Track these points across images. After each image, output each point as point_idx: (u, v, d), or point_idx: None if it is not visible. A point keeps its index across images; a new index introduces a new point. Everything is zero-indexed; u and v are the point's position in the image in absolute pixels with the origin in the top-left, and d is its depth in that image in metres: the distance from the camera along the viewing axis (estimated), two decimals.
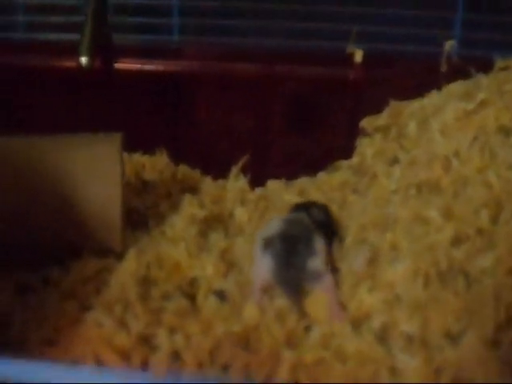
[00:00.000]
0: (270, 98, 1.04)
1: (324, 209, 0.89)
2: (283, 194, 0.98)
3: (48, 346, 0.70)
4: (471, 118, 0.85)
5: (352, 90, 1.03)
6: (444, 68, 0.99)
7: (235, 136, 1.06)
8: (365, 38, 1.04)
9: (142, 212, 0.93)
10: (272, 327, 0.69)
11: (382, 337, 0.66)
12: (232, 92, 1.04)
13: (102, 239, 0.81)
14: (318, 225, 0.82)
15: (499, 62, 0.95)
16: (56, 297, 0.76)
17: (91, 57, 0.93)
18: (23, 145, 0.83)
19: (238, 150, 1.03)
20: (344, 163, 1.01)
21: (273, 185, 1.03)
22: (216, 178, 1.03)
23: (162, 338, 0.69)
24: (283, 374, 0.64)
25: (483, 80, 0.91)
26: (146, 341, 0.70)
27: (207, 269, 0.79)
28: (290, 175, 1.03)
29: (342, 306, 0.72)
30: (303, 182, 1.02)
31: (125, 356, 0.68)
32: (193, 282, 0.79)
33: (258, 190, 1.01)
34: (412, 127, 0.91)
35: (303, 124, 1.04)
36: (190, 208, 0.91)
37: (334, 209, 0.91)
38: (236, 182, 1.00)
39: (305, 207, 0.87)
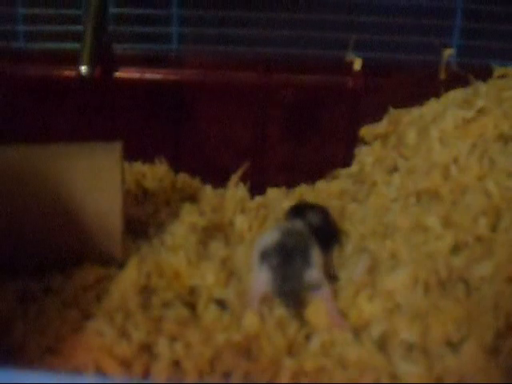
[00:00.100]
0: (269, 106, 1.04)
1: (321, 212, 0.88)
2: (283, 202, 0.98)
3: (49, 355, 0.70)
4: (470, 125, 0.85)
5: (351, 99, 1.03)
6: (443, 76, 0.99)
7: (235, 144, 1.06)
8: (363, 46, 1.05)
9: (143, 220, 0.93)
10: (273, 335, 0.69)
11: (383, 345, 0.66)
12: (231, 100, 1.04)
13: (102, 248, 0.81)
14: (315, 230, 0.82)
15: (498, 70, 0.96)
16: (57, 305, 0.76)
17: (91, 66, 0.93)
18: (23, 154, 0.83)
19: (238, 158, 1.03)
20: (343, 171, 1.02)
21: (272, 193, 1.03)
22: (216, 186, 1.03)
23: (162, 347, 0.69)
24: (284, 382, 0.64)
25: (482, 88, 0.92)
26: (147, 349, 0.70)
27: (207, 277, 0.79)
28: (290, 183, 1.04)
29: (342, 315, 0.72)
30: (303, 190, 1.02)
31: (126, 365, 0.68)
32: (193, 291, 0.79)
33: (258, 199, 1.01)
34: (411, 135, 0.92)
35: (302, 132, 1.05)
36: (190, 216, 0.91)
37: (334, 217, 0.91)
38: (236, 191, 1.00)
39: (301, 211, 0.87)
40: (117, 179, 0.81)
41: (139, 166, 1.03)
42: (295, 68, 1.05)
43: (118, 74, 1.05)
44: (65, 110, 1.04)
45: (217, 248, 0.85)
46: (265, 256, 0.77)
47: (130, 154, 0.97)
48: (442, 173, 0.82)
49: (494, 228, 0.72)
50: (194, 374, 0.67)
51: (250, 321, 0.71)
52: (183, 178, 1.04)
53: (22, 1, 1.12)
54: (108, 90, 1.05)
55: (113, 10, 1.11)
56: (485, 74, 0.96)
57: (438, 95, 0.96)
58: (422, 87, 0.99)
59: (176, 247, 0.84)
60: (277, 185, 1.04)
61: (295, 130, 1.05)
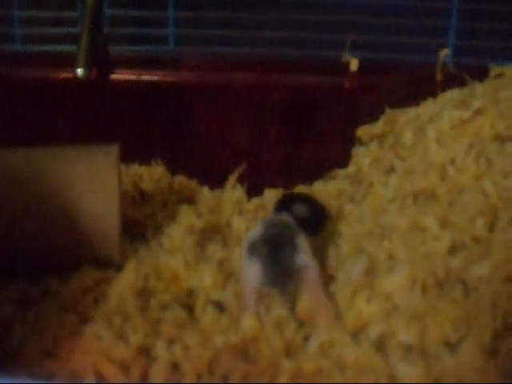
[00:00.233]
0: (266, 107, 1.04)
1: (307, 202, 0.87)
2: None
3: (47, 358, 0.70)
4: (467, 126, 0.85)
5: (348, 99, 1.03)
6: (439, 76, 0.99)
7: (232, 145, 1.06)
8: (360, 46, 1.05)
9: (140, 222, 0.93)
10: (271, 337, 0.69)
11: (381, 346, 0.66)
12: (228, 102, 1.04)
13: (100, 250, 0.81)
14: (301, 222, 0.81)
15: (494, 70, 0.96)
16: (55, 308, 0.76)
17: (88, 68, 0.92)
18: (20, 157, 0.83)
19: (235, 159, 1.03)
20: (340, 172, 1.01)
21: (270, 194, 1.03)
22: (213, 187, 1.03)
23: (160, 350, 0.69)
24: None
25: (478, 88, 0.91)
26: (145, 352, 0.70)
27: (205, 279, 0.79)
28: (287, 184, 1.03)
29: (329, 296, 0.73)
30: (300, 190, 1.02)
31: (124, 368, 0.68)
32: (191, 293, 0.79)
33: (255, 200, 1.01)
34: (408, 136, 0.92)
35: (299, 133, 1.05)
36: (187, 218, 0.91)
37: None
38: (233, 192, 1.00)
39: (287, 203, 0.87)
40: (114, 182, 0.81)
41: (136, 168, 1.03)
42: (292, 69, 1.06)
43: (114, 76, 1.05)
44: (61, 113, 1.04)
45: (214, 250, 0.85)
46: (253, 249, 0.77)
47: (128, 156, 0.97)
48: (439, 173, 0.82)
49: (491, 228, 0.72)
50: (192, 377, 0.67)
51: (248, 323, 0.71)
52: (180, 179, 1.04)
53: (19, 3, 1.12)
54: (105, 92, 1.05)
55: (108, 11, 1.11)
56: (481, 74, 0.95)
57: (434, 95, 0.96)
58: (418, 87, 0.99)
59: (174, 249, 0.84)
60: (274, 186, 1.04)
61: (292, 130, 1.05)
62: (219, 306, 0.76)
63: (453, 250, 0.72)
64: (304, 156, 1.05)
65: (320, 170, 1.03)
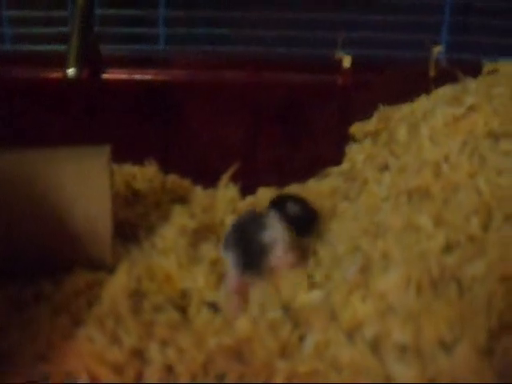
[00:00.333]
0: (258, 105, 1.04)
1: (300, 202, 0.89)
2: None
3: (40, 362, 0.69)
4: (460, 123, 0.84)
5: (341, 96, 1.02)
6: (432, 72, 0.99)
7: (225, 144, 1.06)
8: (352, 43, 1.04)
9: (133, 223, 0.93)
10: (265, 338, 0.69)
11: (376, 346, 0.65)
12: (221, 100, 1.04)
13: (92, 253, 0.80)
14: (293, 220, 0.82)
15: (488, 66, 0.95)
16: (48, 311, 0.75)
17: (78, 68, 0.92)
18: (10, 158, 0.82)
19: (228, 158, 1.03)
20: (334, 170, 1.01)
21: (263, 192, 1.02)
22: (206, 187, 1.03)
23: (154, 352, 0.69)
24: None
25: (472, 84, 0.91)
26: (139, 355, 0.70)
27: (198, 280, 0.79)
28: (281, 182, 1.03)
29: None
30: (293, 189, 1.01)
31: (118, 371, 0.68)
32: (184, 294, 0.79)
33: (249, 199, 1.01)
34: (401, 133, 0.91)
35: (292, 131, 1.04)
36: (180, 218, 0.91)
37: (325, 216, 0.91)
38: (226, 191, 1.00)
39: (278, 203, 0.88)
40: (105, 183, 0.80)
41: (129, 168, 1.03)
42: (284, 67, 1.05)
43: (106, 76, 1.04)
44: (53, 113, 1.04)
45: (207, 250, 0.85)
46: (226, 242, 0.79)
47: (120, 156, 0.97)
48: (433, 171, 0.81)
49: (485, 227, 0.71)
50: (186, 379, 0.66)
51: (242, 324, 0.71)
52: (173, 179, 1.03)
53: (8, 3, 1.11)
54: (96, 91, 1.04)
55: (99, 11, 1.11)
56: (474, 70, 0.95)
57: (428, 92, 0.96)
58: (411, 84, 0.99)
59: (167, 250, 0.84)
60: (268, 184, 1.03)
61: (285, 129, 1.04)
62: (213, 307, 0.76)
63: (447, 248, 0.71)
64: (297, 154, 1.05)
65: (314, 167, 1.02)
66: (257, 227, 0.77)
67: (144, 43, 1.13)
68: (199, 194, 1.01)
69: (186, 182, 1.04)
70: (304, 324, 0.70)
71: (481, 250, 0.69)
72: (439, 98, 0.92)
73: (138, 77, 1.04)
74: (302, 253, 0.79)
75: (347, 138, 1.01)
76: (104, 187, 0.80)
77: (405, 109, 0.96)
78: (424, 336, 0.63)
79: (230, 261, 0.77)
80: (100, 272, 0.80)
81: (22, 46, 1.12)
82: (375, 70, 1.02)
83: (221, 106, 1.04)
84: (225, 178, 1.01)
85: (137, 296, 0.77)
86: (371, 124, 0.98)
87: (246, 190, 1.02)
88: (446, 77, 0.95)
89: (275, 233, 0.77)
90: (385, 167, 0.90)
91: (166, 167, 1.04)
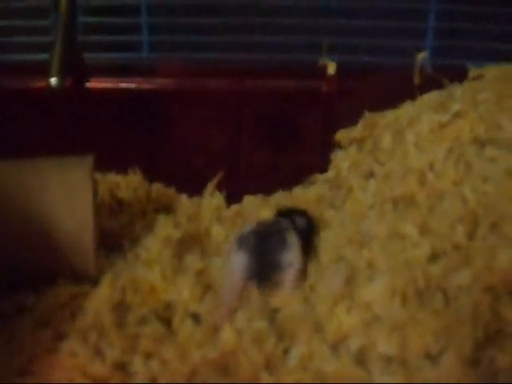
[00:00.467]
0: (243, 112, 1.03)
1: (306, 216, 0.88)
2: (260, 209, 0.97)
3: (23, 375, 0.69)
4: (446, 129, 0.84)
5: (326, 103, 1.02)
6: (417, 79, 0.98)
7: (210, 152, 1.05)
8: (337, 49, 1.04)
9: (117, 233, 0.92)
10: (250, 351, 0.68)
11: (361, 358, 0.65)
12: (205, 108, 1.03)
13: (75, 264, 0.80)
14: (300, 232, 0.82)
15: (473, 71, 0.95)
16: (30, 324, 0.75)
17: (61, 77, 0.91)
18: None
19: (213, 166, 1.02)
20: (320, 177, 1.00)
21: (249, 201, 1.01)
22: (192, 195, 1.02)
23: (138, 365, 0.68)
24: None
25: (457, 90, 0.90)
26: (122, 368, 0.69)
27: (183, 292, 0.78)
28: (266, 190, 1.02)
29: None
30: (279, 196, 1.01)
31: None
32: (168, 306, 0.78)
33: (234, 207, 1.00)
34: (387, 140, 0.91)
35: (278, 138, 1.04)
36: (165, 228, 0.90)
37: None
38: (212, 199, 0.99)
39: (288, 213, 0.87)
40: (88, 194, 0.80)
41: (113, 177, 1.02)
42: (269, 73, 1.04)
43: (89, 84, 1.03)
44: (35, 122, 1.03)
45: (192, 261, 0.84)
46: (241, 242, 0.78)
47: (104, 165, 0.96)
48: (418, 178, 0.81)
49: (470, 235, 0.71)
50: None
51: (227, 336, 0.70)
52: (158, 187, 1.03)
53: None
54: (80, 100, 1.03)
55: (82, 19, 1.10)
56: (460, 75, 0.95)
57: (413, 98, 0.95)
58: (396, 90, 0.98)
59: (151, 262, 0.83)
60: (254, 192, 1.03)
61: (270, 136, 1.04)
62: (197, 319, 0.75)
63: (433, 257, 0.71)
64: (283, 161, 1.04)
65: (299, 175, 1.02)
66: (278, 243, 0.77)
67: (128, 51, 1.12)
68: (184, 202, 1.01)
69: (171, 191, 1.03)
70: (289, 336, 0.70)
71: (466, 258, 0.68)
72: (424, 105, 0.92)
73: (121, 85, 1.03)
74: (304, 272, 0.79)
75: (332, 145, 1.00)
76: (87, 198, 0.80)
77: (390, 115, 0.95)
78: (409, 347, 0.63)
79: (237, 261, 0.77)
80: (83, 284, 0.80)
81: (4, 55, 1.11)
82: (360, 77, 1.02)
83: (205, 113, 1.04)
84: (210, 186, 1.00)
85: (121, 309, 0.76)
86: (356, 131, 0.97)
87: (232, 198, 1.01)
88: (431, 83, 0.95)
89: (293, 256, 0.77)
90: (370, 174, 0.90)
91: (150, 176, 1.03)
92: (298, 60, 1.09)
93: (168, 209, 0.99)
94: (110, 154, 0.98)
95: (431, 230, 0.74)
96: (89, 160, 0.82)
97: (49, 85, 0.91)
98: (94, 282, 0.80)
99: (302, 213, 0.89)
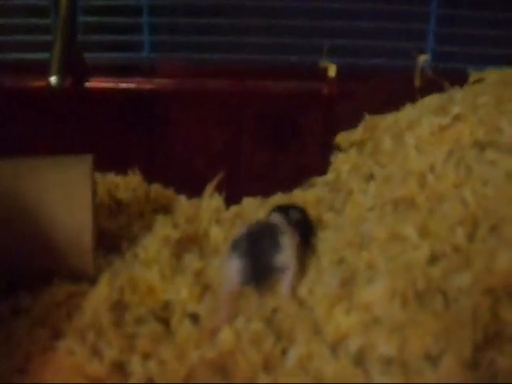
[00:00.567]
0: (243, 114, 1.03)
1: (301, 209, 0.88)
2: (259, 211, 0.97)
3: (19, 375, 0.68)
4: (446, 132, 0.84)
5: (326, 105, 1.02)
6: (418, 81, 0.98)
7: (209, 153, 1.05)
8: (338, 51, 1.04)
9: (115, 233, 0.91)
10: (248, 351, 0.68)
11: (361, 359, 0.65)
12: (205, 109, 1.03)
13: (73, 264, 0.79)
14: (296, 224, 0.83)
15: (473, 75, 0.95)
16: (27, 323, 0.74)
17: (61, 76, 0.91)
18: None
19: (213, 167, 1.02)
20: (319, 179, 1.00)
21: (248, 202, 1.01)
22: (191, 196, 1.02)
23: (135, 365, 0.68)
24: None
25: (457, 93, 0.91)
26: (120, 368, 0.69)
27: (181, 292, 0.78)
28: (266, 192, 1.02)
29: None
30: (279, 198, 1.01)
31: None
32: (167, 306, 0.78)
33: (233, 208, 1.00)
34: (387, 142, 0.90)
35: (278, 140, 1.04)
36: (163, 229, 0.90)
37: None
38: (211, 201, 0.99)
39: (281, 209, 0.87)
40: (87, 193, 0.79)
41: (112, 177, 1.02)
42: (270, 75, 1.04)
43: (89, 84, 1.03)
44: (35, 122, 1.03)
45: (191, 261, 0.84)
46: (234, 246, 0.77)
47: (104, 165, 0.96)
48: (418, 180, 0.81)
49: (470, 237, 0.70)
50: None
51: (225, 336, 0.70)
52: (157, 188, 1.03)
53: None
54: (80, 100, 1.03)
55: (82, 18, 1.10)
56: (460, 79, 0.95)
57: (413, 101, 0.95)
58: (397, 93, 0.98)
59: (149, 261, 0.82)
60: (253, 194, 1.02)
61: (271, 138, 1.04)
62: (195, 319, 0.75)
63: (432, 259, 0.70)
64: (282, 163, 1.04)
65: (299, 177, 1.01)
66: (271, 245, 0.76)
67: (128, 51, 1.12)
68: (183, 203, 1.00)
69: (170, 192, 1.03)
70: (287, 337, 0.69)
71: (466, 261, 0.68)
72: (425, 108, 0.92)
73: (122, 85, 1.03)
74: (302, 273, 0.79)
75: (332, 148, 1.00)
76: (86, 197, 0.79)
77: (390, 118, 0.95)
78: (409, 348, 0.63)
79: (231, 266, 0.76)
80: (81, 283, 0.79)
81: (3, 54, 1.11)
82: (360, 79, 1.02)
83: (206, 114, 1.03)
84: (209, 187, 1.00)
85: (119, 308, 0.76)
86: (357, 133, 0.97)
87: (231, 199, 1.01)
88: (431, 86, 0.95)
89: (287, 257, 0.76)
90: (370, 177, 0.89)
91: (150, 176, 1.03)
92: (299, 61, 1.08)
93: (166, 210, 0.99)
94: (110, 154, 0.98)
95: (431, 232, 0.73)
96: (88, 159, 0.82)
97: (48, 84, 0.91)
98: (92, 281, 0.79)
99: (297, 207, 0.89)
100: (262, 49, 1.09)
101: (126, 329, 0.73)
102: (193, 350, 0.69)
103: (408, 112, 0.93)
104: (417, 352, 0.62)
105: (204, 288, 0.79)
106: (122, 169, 1.03)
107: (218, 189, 1.00)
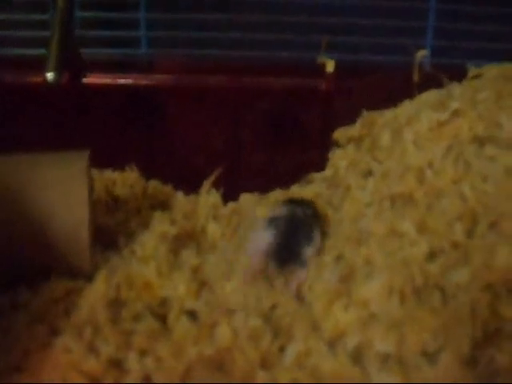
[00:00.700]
0: (242, 110, 1.03)
1: (313, 206, 0.89)
2: (256, 207, 0.97)
3: (16, 372, 0.68)
4: (444, 128, 0.84)
5: (324, 101, 1.01)
6: (416, 77, 0.98)
7: (208, 149, 1.04)
8: (336, 47, 1.04)
9: (113, 229, 0.91)
10: (245, 348, 0.67)
11: (358, 356, 0.65)
12: (204, 105, 1.03)
13: (70, 260, 0.79)
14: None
15: (472, 70, 0.95)
16: (24, 320, 0.74)
17: (58, 72, 0.91)
18: None
19: (211, 163, 1.01)
20: (317, 176, 1.00)
21: (246, 199, 1.01)
22: (188, 192, 1.01)
23: (132, 362, 0.68)
24: None
25: (456, 89, 0.90)
26: (117, 365, 0.68)
27: (178, 288, 0.77)
28: (263, 188, 1.02)
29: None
30: (276, 195, 1.00)
31: (94, 381, 0.66)
32: (164, 302, 0.77)
33: (231, 205, 1.00)
34: (385, 138, 0.90)
35: (276, 136, 1.03)
36: (160, 225, 0.89)
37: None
38: (208, 197, 0.98)
39: (297, 203, 0.87)
40: (84, 189, 0.79)
41: (109, 174, 1.01)
42: (267, 71, 1.04)
43: (86, 80, 1.03)
44: (32, 117, 1.02)
45: (188, 257, 0.83)
46: (273, 220, 0.79)
47: (102, 161, 0.96)
48: (417, 176, 0.80)
49: (469, 233, 0.70)
50: None
51: (223, 333, 0.70)
52: (154, 184, 1.02)
53: None
54: (77, 96, 1.03)
55: (79, 14, 1.10)
56: (459, 75, 0.94)
57: (411, 97, 0.95)
58: (395, 89, 0.98)
59: (146, 258, 0.82)
60: (251, 190, 1.02)
61: (269, 133, 1.03)
62: (193, 315, 0.75)
63: (431, 255, 0.70)
64: (281, 159, 1.04)
65: (297, 173, 1.01)
66: (304, 237, 0.78)
67: (126, 46, 1.12)
68: (181, 199, 1.00)
69: (168, 188, 1.03)
70: (285, 333, 0.69)
71: (465, 256, 0.68)
72: (423, 103, 0.91)
73: (119, 81, 1.03)
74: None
75: (330, 144, 0.99)
76: (83, 193, 0.79)
77: (388, 114, 0.95)
78: (407, 345, 0.63)
79: (265, 238, 0.77)
80: (78, 280, 0.79)
81: (2, 49, 1.11)
82: (359, 75, 1.02)
83: (204, 110, 1.03)
84: (207, 183, 0.99)
85: (116, 305, 0.75)
86: (355, 129, 0.97)
87: (229, 195, 1.00)
88: (430, 81, 0.94)
89: (312, 253, 0.78)
90: (368, 173, 0.89)
91: (148, 172, 1.03)
92: (297, 58, 1.08)
93: (164, 206, 0.99)
94: (108, 150, 0.98)
95: (429, 228, 0.73)
96: (85, 155, 0.82)
97: (45, 80, 0.91)
98: (89, 277, 0.79)
99: (309, 202, 0.90)
100: (261, 45, 1.09)
101: (122, 325, 0.72)
102: (190, 347, 0.69)
103: (406, 108, 0.93)
104: (415, 348, 0.62)
105: (201, 284, 0.79)
106: (119, 165, 1.02)
107: (217, 185, 1.00)
